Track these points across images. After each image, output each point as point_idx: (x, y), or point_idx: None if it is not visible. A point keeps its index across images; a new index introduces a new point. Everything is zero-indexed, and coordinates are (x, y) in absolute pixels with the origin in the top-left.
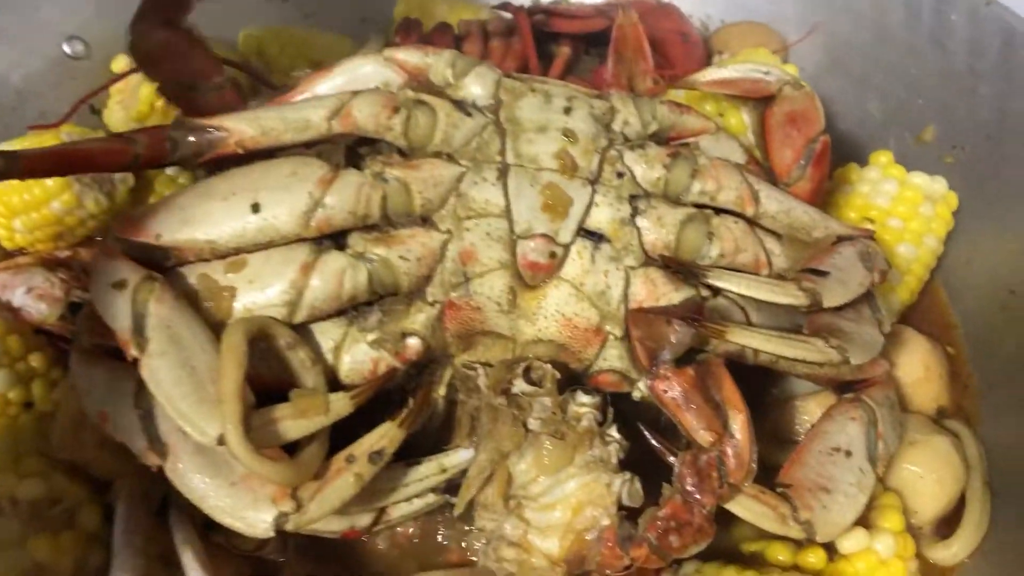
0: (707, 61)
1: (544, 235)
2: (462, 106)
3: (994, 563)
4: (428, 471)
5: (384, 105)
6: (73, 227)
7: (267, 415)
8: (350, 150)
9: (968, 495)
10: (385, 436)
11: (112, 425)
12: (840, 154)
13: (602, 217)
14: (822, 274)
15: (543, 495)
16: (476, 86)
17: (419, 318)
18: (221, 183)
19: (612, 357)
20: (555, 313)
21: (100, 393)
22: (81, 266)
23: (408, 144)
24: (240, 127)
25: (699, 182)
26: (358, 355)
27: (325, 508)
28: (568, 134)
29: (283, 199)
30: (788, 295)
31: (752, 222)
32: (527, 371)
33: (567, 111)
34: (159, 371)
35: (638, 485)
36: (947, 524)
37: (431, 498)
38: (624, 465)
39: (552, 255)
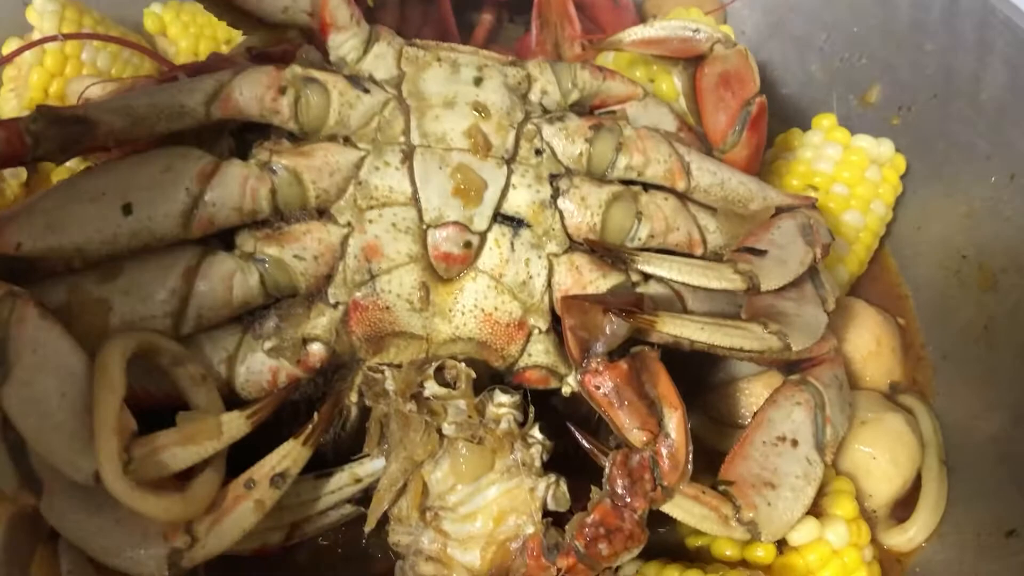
0: (637, 21)
1: (457, 223)
2: (358, 82)
3: (953, 544)
4: (341, 482)
5: (268, 86)
6: None
7: (150, 444)
8: (237, 136)
9: (924, 474)
10: (288, 456)
11: None
12: (782, 119)
13: (520, 200)
14: (760, 253)
15: (462, 504)
16: (374, 58)
17: (320, 322)
18: (89, 181)
19: (538, 352)
20: (473, 308)
21: None
22: None
23: (299, 128)
24: (108, 118)
25: (624, 156)
26: (255, 365)
27: (224, 541)
28: (479, 108)
29: (157, 198)
30: (723, 279)
31: (684, 197)
32: (439, 371)
33: (477, 82)
34: (24, 402)
35: (564, 488)
36: (903, 506)
37: (347, 509)
38: (549, 466)
39: (467, 245)
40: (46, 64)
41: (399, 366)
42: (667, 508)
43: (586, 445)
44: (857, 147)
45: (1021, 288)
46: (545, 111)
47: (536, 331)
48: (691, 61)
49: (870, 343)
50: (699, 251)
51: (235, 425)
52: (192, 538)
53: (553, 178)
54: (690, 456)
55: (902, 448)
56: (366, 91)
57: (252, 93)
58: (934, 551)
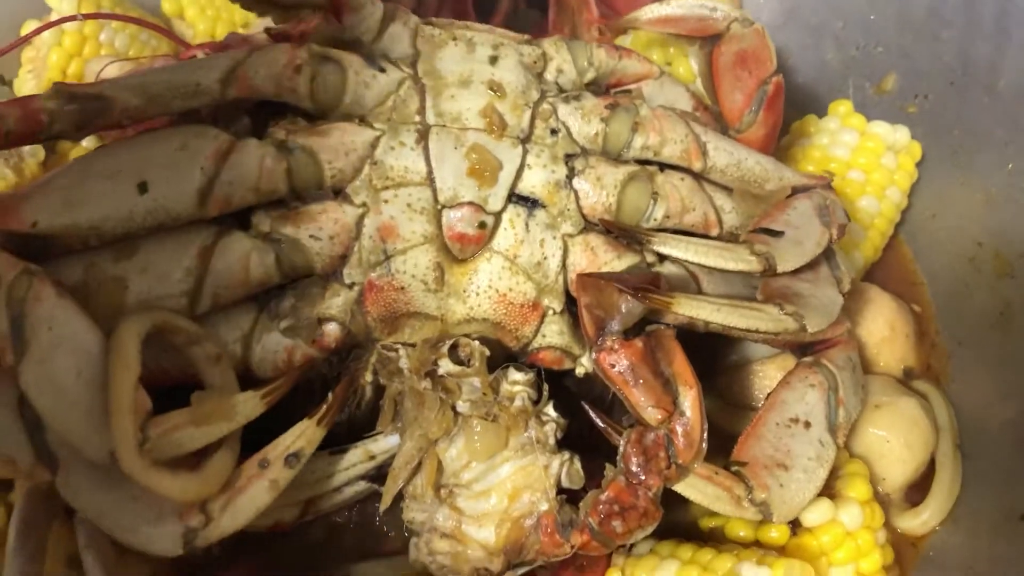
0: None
1: (471, 203)
2: (373, 60)
3: (966, 528)
4: (355, 459)
5: (285, 64)
6: None
7: (165, 423)
8: (254, 114)
9: (938, 459)
10: (303, 436)
11: None
12: (798, 107)
13: (535, 180)
14: (776, 234)
15: (476, 482)
16: (389, 37)
17: (336, 302)
18: (104, 159)
19: (552, 333)
20: (488, 289)
21: None
22: None
23: (315, 107)
24: (124, 95)
25: (641, 136)
26: (270, 344)
27: (239, 520)
28: (495, 87)
29: (173, 177)
30: (739, 260)
31: (700, 177)
32: (453, 349)
33: (493, 60)
34: (40, 380)
35: (578, 465)
36: (917, 490)
37: (361, 486)
38: (563, 444)
39: (482, 225)
40: (64, 45)
41: (413, 345)
42: (680, 488)
43: (600, 424)
44: (873, 133)
45: None
46: (561, 90)
47: (551, 312)
48: (708, 40)
49: (884, 328)
50: (715, 231)
51: (250, 405)
52: (207, 517)
53: (568, 158)
54: (705, 434)
55: (916, 432)
56: (382, 70)
57: (268, 72)
58: (948, 534)
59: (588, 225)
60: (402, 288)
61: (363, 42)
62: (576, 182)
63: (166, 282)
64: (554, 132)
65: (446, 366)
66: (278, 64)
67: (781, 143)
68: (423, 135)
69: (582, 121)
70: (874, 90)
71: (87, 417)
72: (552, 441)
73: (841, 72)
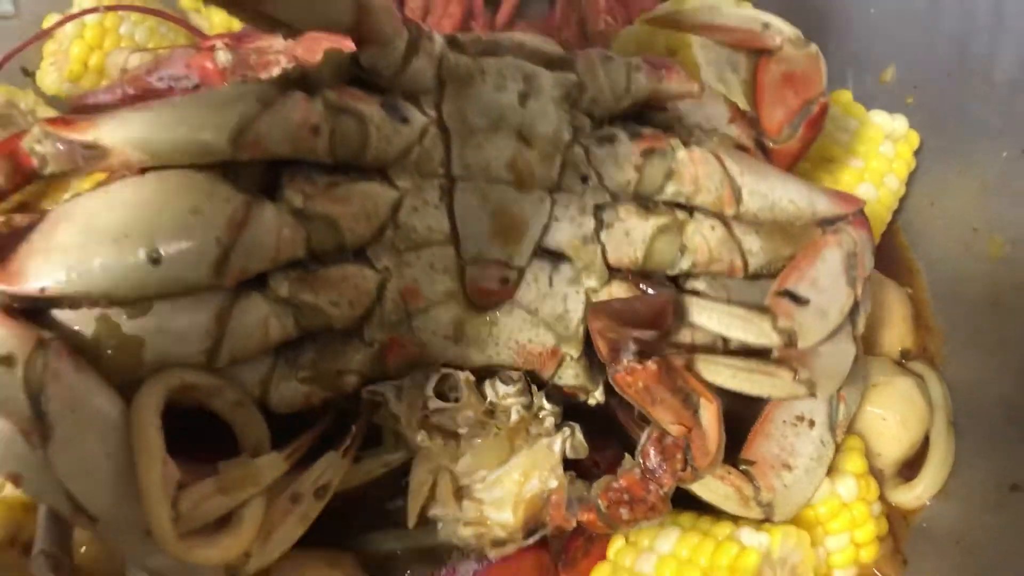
0: None
1: (496, 260)
2: (396, 109)
3: (957, 502)
4: (371, 467)
5: (300, 124)
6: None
7: (195, 495)
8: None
9: (932, 436)
10: (330, 468)
11: (29, 487)
12: None
13: (562, 235)
14: (801, 302)
15: (490, 475)
16: (413, 73)
17: (357, 358)
18: (108, 214)
19: (568, 376)
20: (507, 340)
21: (6, 452)
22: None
23: (334, 161)
24: (122, 148)
25: (674, 184)
26: (288, 391)
27: (275, 553)
28: (524, 134)
29: (186, 248)
30: (761, 335)
31: (731, 220)
32: (441, 383)
33: (523, 99)
34: (70, 465)
35: (580, 436)
36: (911, 466)
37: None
38: (566, 415)
39: (505, 280)
40: (86, 37)
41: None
42: (694, 486)
43: (622, 419)
44: (872, 122)
45: None
46: (593, 120)
47: (568, 358)
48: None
49: (882, 312)
50: (739, 275)
51: (274, 466)
52: (246, 555)
53: (597, 209)
54: (723, 447)
55: (911, 410)
56: (404, 120)
57: (283, 133)
58: (940, 507)
59: (612, 273)
60: (423, 344)
61: (383, 76)
62: (604, 235)
63: (183, 343)
64: (584, 179)
65: (435, 404)
66: (292, 123)
67: None
68: (447, 191)
69: (615, 168)
70: (874, 81)
71: (120, 498)
72: (551, 426)
73: (843, 63)
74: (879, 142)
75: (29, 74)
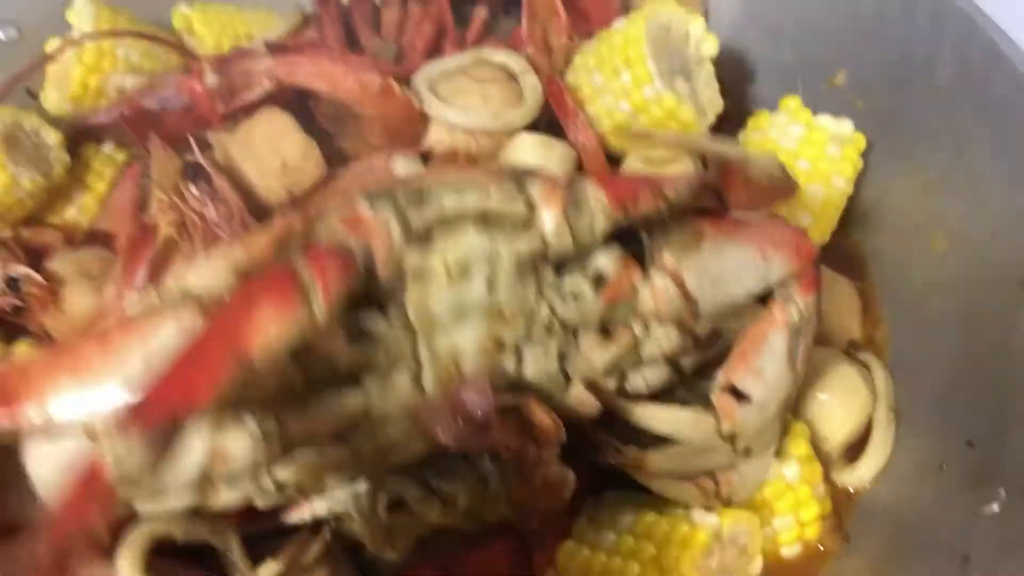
0: (620, 10)
1: None
2: (360, 336)
3: (895, 481)
4: None
5: (265, 450)
6: (11, 206)
7: None
8: None
9: (874, 421)
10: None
11: None
12: (756, 102)
13: (527, 372)
14: (744, 400)
15: None
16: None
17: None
18: None
19: None
20: None
21: None
22: (23, 247)
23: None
24: None
25: (636, 322)
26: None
27: None
28: (492, 314)
29: None
30: (705, 435)
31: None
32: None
33: (490, 286)
34: None
35: None
36: (855, 449)
37: None
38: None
39: None
40: (85, 60)
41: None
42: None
43: None
44: (818, 126)
45: (968, 251)
46: (555, 268)
47: None
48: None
49: (831, 306)
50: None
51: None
52: None
53: (561, 353)
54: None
55: (855, 397)
56: (370, 338)
57: (245, 462)
58: (881, 488)
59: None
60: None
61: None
62: (568, 367)
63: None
64: (549, 331)
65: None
66: (257, 454)
67: (738, 137)
68: (416, 376)
69: (579, 318)
70: (826, 85)
71: None
72: None
73: (796, 69)
74: (826, 145)
75: (34, 96)
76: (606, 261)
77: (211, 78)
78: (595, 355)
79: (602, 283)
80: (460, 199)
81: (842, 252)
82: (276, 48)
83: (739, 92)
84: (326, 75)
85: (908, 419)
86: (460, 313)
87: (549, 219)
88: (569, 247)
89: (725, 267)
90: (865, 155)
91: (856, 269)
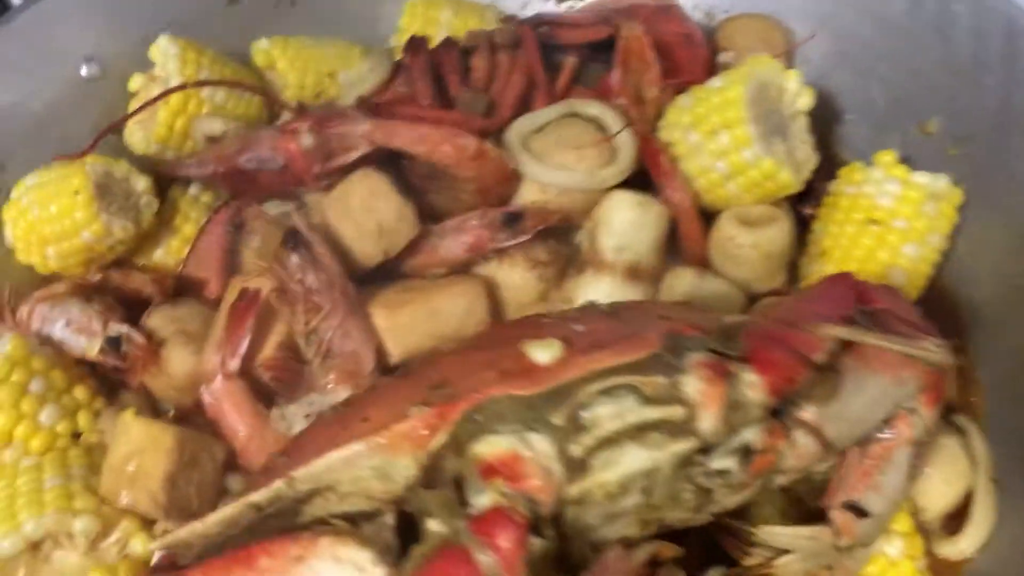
0: (712, 61)
1: None
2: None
3: (999, 555)
4: None
5: None
6: (103, 253)
7: None
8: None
9: (975, 491)
10: None
11: None
12: (846, 146)
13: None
14: (863, 515)
15: None
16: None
17: None
18: None
19: None
20: None
21: None
22: (114, 292)
23: None
24: None
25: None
26: None
27: None
28: (644, 509)
29: None
30: (825, 551)
31: None
32: None
33: (647, 493)
34: None
35: None
36: (955, 519)
37: None
38: None
39: None
40: (170, 103)
41: None
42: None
43: None
44: (916, 183)
45: None
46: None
47: None
48: None
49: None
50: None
51: None
52: None
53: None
54: None
55: (954, 467)
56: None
57: None
58: (983, 561)
59: None
60: None
61: None
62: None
63: None
64: (699, 509)
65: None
66: None
67: (828, 187)
68: None
69: (726, 493)
70: (917, 131)
71: None
72: None
73: (887, 113)
74: (922, 203)
75: (116, 132)
76: (754, 436)
77: (307, 139)
78: (729, 501)
79: (750, 455)
80: (619, 417)
81: (934, 309)
82: (370, 108)
83: (826, 134)
84: (423, 140)
85: (1010, 487)
86: (613, 517)
87: (709, 420)
88: (724, 438)
89: (863, 403)
90: (959, 207)
91: (953, 325)
